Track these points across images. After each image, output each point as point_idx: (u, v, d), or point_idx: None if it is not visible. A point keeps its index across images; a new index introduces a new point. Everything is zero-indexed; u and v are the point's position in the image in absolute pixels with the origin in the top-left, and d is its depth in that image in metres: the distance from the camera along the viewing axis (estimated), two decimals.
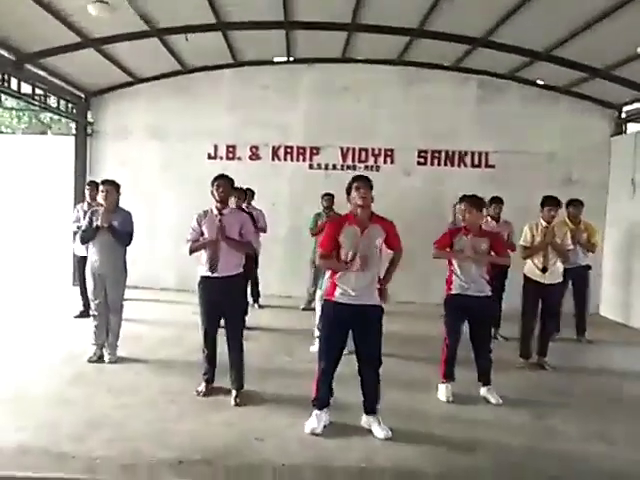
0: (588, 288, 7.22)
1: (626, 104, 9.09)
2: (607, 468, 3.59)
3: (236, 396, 4.54)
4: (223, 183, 4.62)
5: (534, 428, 4.24)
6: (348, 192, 3.99)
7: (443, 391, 4.80)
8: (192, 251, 4.61)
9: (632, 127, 9.15)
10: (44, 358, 5.48)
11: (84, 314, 6.90)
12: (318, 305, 6.18)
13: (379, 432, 3.93)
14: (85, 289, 6.33)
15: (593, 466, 3.62)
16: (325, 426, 3.98)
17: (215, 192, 4.61)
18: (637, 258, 8.31)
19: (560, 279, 5.84)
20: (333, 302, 3.97)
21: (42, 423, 3.88)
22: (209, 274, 4.55)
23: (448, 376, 4.84)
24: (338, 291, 3.94)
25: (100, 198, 5.50)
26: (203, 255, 4.58)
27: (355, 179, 3.99)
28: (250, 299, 7.85)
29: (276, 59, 9.38)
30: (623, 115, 9.26)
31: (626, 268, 8.58)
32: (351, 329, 4.01)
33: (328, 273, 4.17)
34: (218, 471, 3.33)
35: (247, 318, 6.95)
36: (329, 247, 4.00)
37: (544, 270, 5.70)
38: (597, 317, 8.84)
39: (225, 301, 4.57)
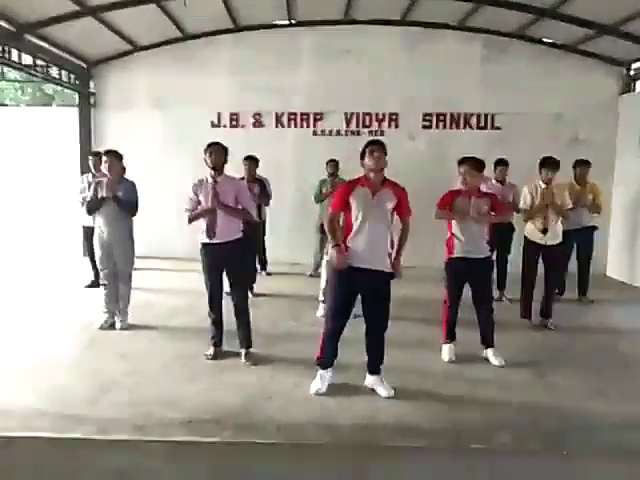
0: (592, 249, 7.22)
1: (635, 61, 8.90)
2: (605, 423, 3.68)
3: (246, 354, 4.73)
4: (215, 149, 4.64)
5: (535, 386, 4.34)
6: (362, 156, 4.01)
7: (446, 351, 4.89)
8: (190, 220, 4.71)
9: None
10: (57, 326, 5.63)
11: (95, 284, 7.04)
12: (324, 270, 6.27)
13: (382, 391, 4.05)
14: (94, 259, 6.44)
15: (591, 421, 3.71)
16: (329, 385, 4.10)
17: (207, 159, 4.63)
18: None
19: (560, 239, 5.87)
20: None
21: (57, 388, 4.03)
22: (208, 240, 4.65)
23: (450, 337, 4.93)
24: (349, 254, 3.98)
25: (104, 168, 5.55)
26: (202, 222, 4.66)
27: (369, 143, 4.00)
28: (258, 267, 7.94)
29: (277, 22, 9.24)
30: (632, 72, 9.07)
31: (633, 228, 8.55)
32: (360, 292, 4.08)
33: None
34: (226, 429, 3.45)
35: (255, 285, 7.11)
36: (338, 207, 4.04)
37: (544, 231, 5.73)
38: (603, 278, 8.87)
39: (227, 266, 4.71)
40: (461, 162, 4.91)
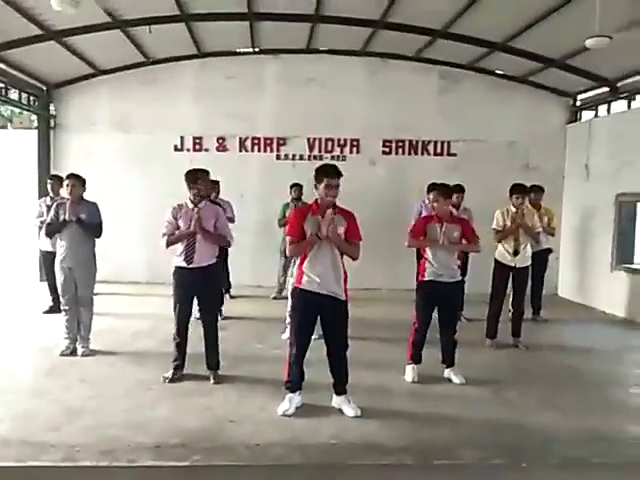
0: (545, 270, 7.55)
1: (580, 92, 9.47)
2: (561, 436, 3.86)
3: (214, 376, 4.78)
4: (205, 177, 4.83)
5: (495, 403, 4.50)
6: (317, 181, 4.05)
7: (409, 372, 5.01)
8: (169, 244, 4.73)
9: (586, 115, 9.53)
10: (16, 353, 5.50)
11: (53, 309, 6.90)
12: (289, 293, 6.35)
13: (349, 411, 4.13)
14: (54, 284, 6.31)
15: (548, 435, 3.88)
16: (297, 408, 4.15)
17: (194, 185, 4.70)
18: (592, 240, 8.72)
19: (529, 262, 6.15)
20: (300, 289, 4.13)
21: (19, 414, 3.94)
22: (184, 265, 4.69)
23: (415, 359, 5.04)
24: (305, 279, 4.08)
25: (65, 192, 5.50)
26: (179, 247, 4.71)
27: (325, 174, 4.02)
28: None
29: (241, 50, 9.42)
30: (578, 103, 9.64)
31: (582, 250, 8.99)
32: (318, 315, 4.17)
33: (297, 262, 4.30)
34: (195, 452, 3.45)
35: (223, 308, 7.10)
36: (296, 233, 4.11)
37: (515, 253, 5.97)
38: (555, 297, 9.26)
39: (200, 290, 4.75)
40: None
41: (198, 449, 3.50)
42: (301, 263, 4.13)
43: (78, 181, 5.46)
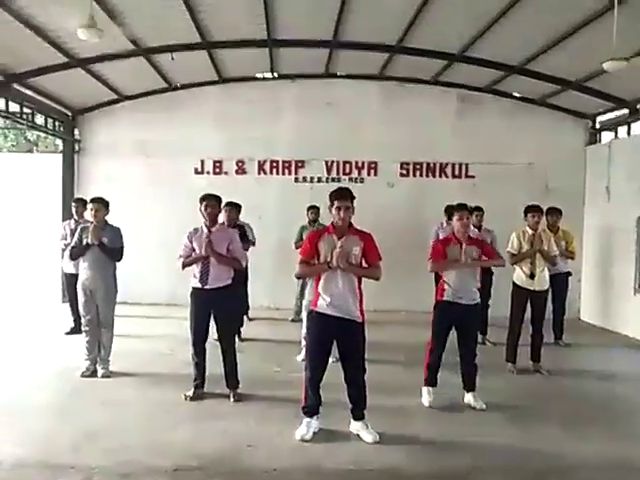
0: (566, 294, 7.45)
1: (599, 114, 9.43)
2: (585, 464, 3.77)
3: (234, 394, 4.87)
4: (211, 203, 4.89)
5: (514, 428, 4.41)
6: (331, 204, 4.11)
7: (426, 395, 4.95)
8: (184, 266, 4.90)
9: (606, 136, 9.48)
10: (38, 374, 5.56)
11: (75, 331, 6.98)
12: (305, 315, 6.35)
13: (367, 436, 4.09)
14: (76, 305, 6.40)
15: (573, 462, 3.80)
16: (315, 433, 4.12)
17: (203, 211, 4.87)
18: (614, 263, 8.59)
19: (547, 285, 6.07)
20: (316, 312, 4.12)
21: (39, 436, 3.98)
22: (200, 286, 4.82)
23: (430, 382, 4.98)
24: (320, 301, 4.09)
25: (89, 216, 5.63)
26: (195, 268, 4.84)
27: (336, 197, 4.06)
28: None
29: (260, 75, 9.60)
30: (597, 125, 9.59)
31: (604, 273, 8.86)
32: (335, 338, 4.17)
33: (312, 283, 4.31)
34: (213, 476, 3.45)
35: (242, 330, 7.13)
36: (308, 254, 4.13)
37: (532, 276, 5.90)
38: (577, 322, 9.10)
39: (216, 310, 4.86)
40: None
41: (216, 473, 3.50)
42: (316, 285, 4.14)
43: (102, 205, 5.58)
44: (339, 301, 4.03)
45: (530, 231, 5.98)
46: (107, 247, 5.49)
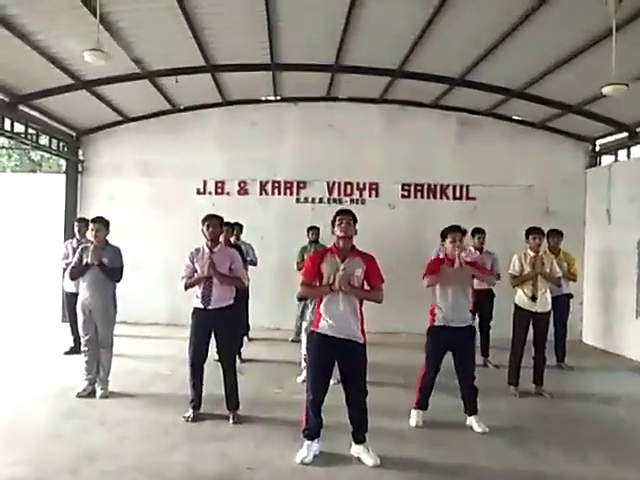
0: (568, 316, 7.42)
1: (599, 138, 9.51)
2: None
3: (234, 415, 4.83)
4: (213, 223, 4.90)
5: (516, 452, 4.36)
6: (333, 225, 4.16)
7: (414, 417, 4.92)
8: (187, 287, 4.90)
9: (606, 159, 9.54)
10: (36, 393, 5.52)
11: (74, 350, 6.95)
12: (304, 336, 6.33)
13: (368, 460, 4.04)
14: (75, 325, 6.40)
15: None
16: (315, 456, 4.08)
17: (205, 231, 4.88)
18: (616, 285, 8.57)
19: (549, 307, 6.05)
20: (317, 333, 4.11)
21: (36, 457, 3.94)
22: (202, 306, 4.82)
23: (421, 405, 4.94)
24: (322, 322, 4.07)
25: (90, 235, 5.65)
26: (197, 289, 4.85)
27: (338, 213, 4.18)
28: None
29: (263, 98, 9.71)
30: (597, 148, 9.66)
31: (606, 295, 8.83)
32: (336, 360, 4.15)
33: (314, 304, 4.30)
34: None
35: (242, 351, 7.10)
36: (310, 275, 4.14)
37: (533, 299, 5.89)
38: (580, 344, 9.05)
39: (218, 331, 4.86)
40: (444, 233, 5.02)
41: None
42: (318, 306, 4.13)
43: (102, 225, 5.61)
44: (340, 322, 4.02)
45: (532, 253, 5.98)
46: (107, 267, 5.51)
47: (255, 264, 7.94)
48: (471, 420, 4.90)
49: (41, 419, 4.80)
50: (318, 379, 4.12)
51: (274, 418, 4.93)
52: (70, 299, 7.09)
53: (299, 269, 8.14)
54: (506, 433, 4.76)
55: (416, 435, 4.68)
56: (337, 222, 4.11)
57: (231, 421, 4.80)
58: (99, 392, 5.49)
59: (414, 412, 4.95)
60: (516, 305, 6.10)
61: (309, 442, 4.11)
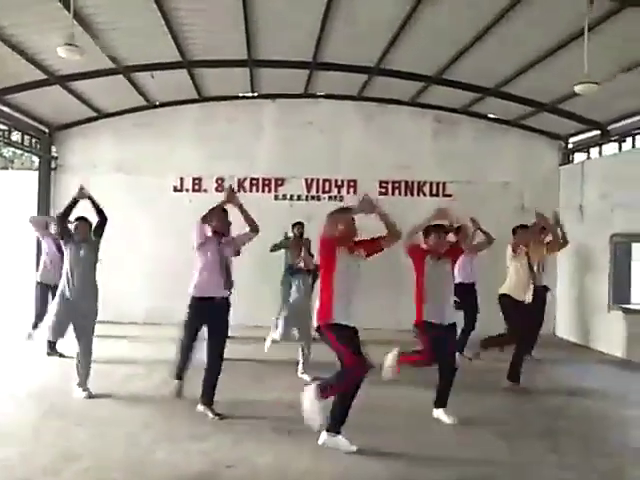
0: (545, 308, 7.55)
1: (572, 135, 9.71)
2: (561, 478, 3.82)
3: (211, 410, 4.81)
4: (220, 217, 5.02)
5: (493, 443, 4.43)
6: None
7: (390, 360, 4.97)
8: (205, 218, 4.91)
9: (578, 157, 9.74)
10: (13, 394, 5.41)
11: (52, 350, 6.84)
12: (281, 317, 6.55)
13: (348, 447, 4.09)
14: (42, 311, 6.64)
15: (548, 477, 3.84)
16: (296, 449, 4.08)
17: (214, 225, 4.98)
18: (588, 281, 8.77)
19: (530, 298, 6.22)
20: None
21: (15, 458, 3.86)
22: (201, 295, 4.83)
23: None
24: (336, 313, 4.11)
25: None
26: (196, 276, 4.85)
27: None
28: None
29: (240, 94, 9.66)
30: (570, 146, 9.86)
31: (579, 290, 9.03)
32: None
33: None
34: None
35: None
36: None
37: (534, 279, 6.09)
38: (553, 337, 9.24)
39: (212, 320, 4.88)
40: (432, 229, 5.08)
41: None
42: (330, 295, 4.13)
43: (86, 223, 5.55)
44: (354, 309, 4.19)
45: (524, 248, 6.13)
46: (96, 202, 5.53)
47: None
48: (439, 413, 4.91)
49: (19, 420, 4.71)
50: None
51: (253, 416, 4.92)
52: (44, 289, 7.01)
53: (271, 250, 8.14)
54: (483, 425, 4.84)
55: (395, 427, 4.72)
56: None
57: (210, 415, 4.76)
58: (82, 393, 5.35)
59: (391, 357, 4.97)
60: (506, 295, 6.16)
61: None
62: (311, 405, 4.03)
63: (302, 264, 6.47)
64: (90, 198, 5.47)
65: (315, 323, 4.24)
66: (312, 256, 6.32)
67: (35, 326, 7.04)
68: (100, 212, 5.57)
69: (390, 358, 4.99)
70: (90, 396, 5.34)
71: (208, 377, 4.87)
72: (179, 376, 4.98)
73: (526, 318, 6.19)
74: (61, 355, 6.69)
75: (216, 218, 4.97)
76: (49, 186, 9.68)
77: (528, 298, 6.14)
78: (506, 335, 6.30)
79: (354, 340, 4.12)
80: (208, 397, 4.86)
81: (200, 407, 4.84)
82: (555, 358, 7.64)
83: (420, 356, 5.05)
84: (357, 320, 4.19)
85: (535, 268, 6.38)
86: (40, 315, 6.91)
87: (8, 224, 9.77)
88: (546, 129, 9.68)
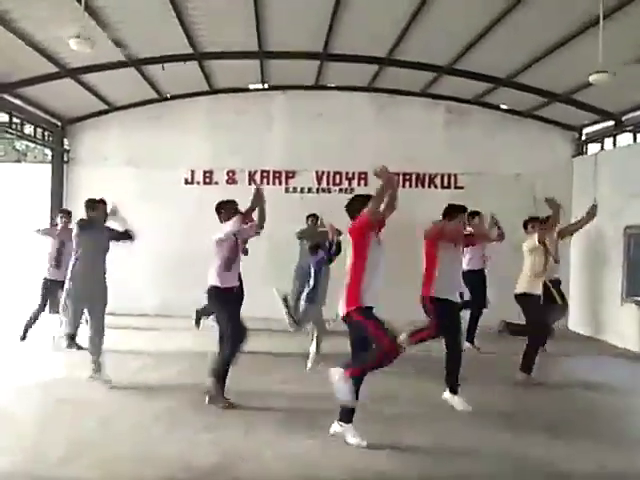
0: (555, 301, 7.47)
1: (586, 126, 9.58)
2: (572, 470, 3.81)
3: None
4: (228, 208, 5.15)
5: (500, 436, 4.41)
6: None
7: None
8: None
9: (592, 148, 9.61)
10: (24, 385, 5.48)
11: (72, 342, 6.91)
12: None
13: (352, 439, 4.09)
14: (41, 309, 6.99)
15: (560, 468, 3.82)
16: (307, 443, 4.10)
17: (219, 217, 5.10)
18: (601, 273, 8.68)
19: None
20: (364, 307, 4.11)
21: (26, 448, 3.92)
22: (230, 285, 4.96)
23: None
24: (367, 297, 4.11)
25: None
26: (219, 268, 4.93)
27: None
28: None
29: (251, 86, 9.64)
30: (584, 137, 9.73)
31: (591, 283, 8.94)
32: None
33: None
34: None
35: None
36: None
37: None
38: (565, 331, 9.16)
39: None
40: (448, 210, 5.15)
41: None
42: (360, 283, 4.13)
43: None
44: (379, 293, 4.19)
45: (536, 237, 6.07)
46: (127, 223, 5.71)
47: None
48: (450, 397, 4.94)
49: (29, 410, 4.77)
50: None
51: (265, 407, 4.94)
52: (51, 286, 7.08)
53: (298, 237, 8.34)
54: (491, 416, 4.83)
55: (403, 417, 4.73)
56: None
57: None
58: (98, 380, 5.42)
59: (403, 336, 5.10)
60: (525, 294, 6.04)
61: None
62: (343, 385, 4.00)
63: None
64: (122, 219, 5.57)
65: (343, 310, 4.19)
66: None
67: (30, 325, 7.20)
68: (128, 234, 5.70)
69: (402, 339, 5.07)
70: (110, 384, 5.37)
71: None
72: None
73: (544, 311, 6.15)
74: (79, 347, 6.74)
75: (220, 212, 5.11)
76: (62, 179, 9.75)
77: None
78: (528, 328, 6.22)
79: (384, 324, 4.12)
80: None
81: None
82: (567, 351, 7.58)
83: (428, 331, 5.20)
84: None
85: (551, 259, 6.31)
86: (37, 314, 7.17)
87: (22, 217, 9.83)
88: (559, 120, 9.56)
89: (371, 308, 4.12)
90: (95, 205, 5.54)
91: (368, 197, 4.28)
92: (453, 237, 5.12)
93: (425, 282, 5.14)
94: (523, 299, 6.07)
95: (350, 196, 4.65)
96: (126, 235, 5.70)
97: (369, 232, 4.21)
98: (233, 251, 5.00)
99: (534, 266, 6.02)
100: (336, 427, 4.18)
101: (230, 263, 4.96)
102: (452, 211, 5.18)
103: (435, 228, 5.22)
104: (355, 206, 4.30)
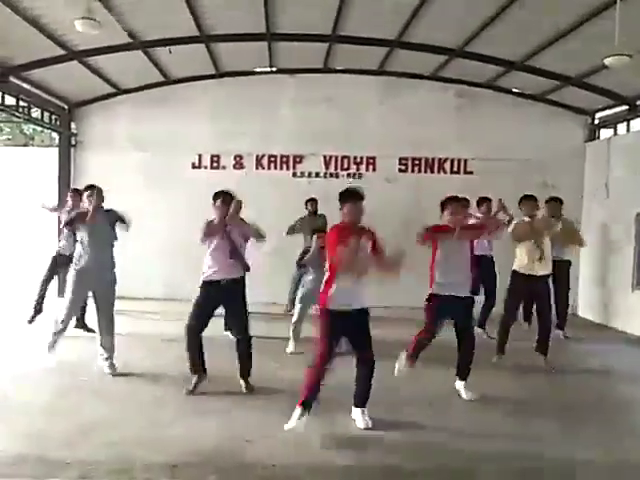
0: (568, 284, 7.41)
1: (599, 110, 9.41)
2: (582, 458, 3.77)
3: (246, 385, 4.95)
4: (227, 200, 4.98)
5: (510, 424, 4.40)
6: (340, 203, 4.28)
7: (402, 361, 5.00)
8: (206, 235, 4.90)
9: (605, 133, 9.46)
10: (30, 368, 5.51)
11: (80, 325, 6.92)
12: (297, 307, 6.57)
13: (360, 422, 4.16)
14: (46, 287, 7.05)
15: (573, 456, 3.79)
16: (313, 424, 4.09)
17: (218, 209, 4.93)
18: (612, 260, 8.59)
19: (549, 271, 6.03)
20: (328, 309, 4.13)
21: (34, 431, 3.94)
22: (215, 278, 4.87)
23: (414, 358, 5.01)
24: (333, 299, 4.10)
25: (86, 202, 5.53)
26: (209, 260, 4.89)
27: (348, 197, 4.26)
28: None
29: (258, 69, 9.54)
30: (596, 121, 9.57)
31: (602, 269, 8.85)
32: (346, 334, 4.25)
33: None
34: (211, 472, 3.41)
35: None
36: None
37: (540, 259, 5.88)
38: (576, 318, 9.09)
39: (229, 303, 5.03)
40: (447, 202, 5.03)
41: (215, 469, 3.47)
42: (328, 282, 4.15)
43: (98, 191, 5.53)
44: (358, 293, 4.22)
45: (527, 219, 5.99)
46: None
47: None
48: (460, 385, 4.94)
49: (36, 394, 4.79)
50: (328, 352, 4.15)
51: (273, 391, 4.96)
52: (60, 260, 7.10)
53: (287, 233, 8.21)
54: (500, 402, 4.84)
55: (412, 402, 4.75)
56: (347, 208, 4.26)
57: (244, 390, 4.89)
58: (107, 369, 5.41)
59: (403, 356, 5.01)
60: (514, 271, 6.05)
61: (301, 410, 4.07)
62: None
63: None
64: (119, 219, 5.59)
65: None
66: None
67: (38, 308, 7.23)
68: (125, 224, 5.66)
69: (401, 358, 5.04)
70: (114, 372, 5.38)
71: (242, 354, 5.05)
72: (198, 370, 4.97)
73: (522, 295, 6.16)
74: (89, 329, 6.75)
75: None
76: (69, 163, 9.72)
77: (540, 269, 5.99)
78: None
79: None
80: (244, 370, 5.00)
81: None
82: (577, 337, 7.52)
83: (419, 333, 5.04)
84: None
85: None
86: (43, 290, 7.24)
87: (29, 201, 9.84)
88: (572, 104, 9.40)
89: (337, 312, 4.08)
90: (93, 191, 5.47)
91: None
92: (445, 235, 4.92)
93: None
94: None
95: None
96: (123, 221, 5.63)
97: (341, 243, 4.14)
98: (218, 245, 4.91)
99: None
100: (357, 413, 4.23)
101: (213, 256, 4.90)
102: (443, 203, 5.05)
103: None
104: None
